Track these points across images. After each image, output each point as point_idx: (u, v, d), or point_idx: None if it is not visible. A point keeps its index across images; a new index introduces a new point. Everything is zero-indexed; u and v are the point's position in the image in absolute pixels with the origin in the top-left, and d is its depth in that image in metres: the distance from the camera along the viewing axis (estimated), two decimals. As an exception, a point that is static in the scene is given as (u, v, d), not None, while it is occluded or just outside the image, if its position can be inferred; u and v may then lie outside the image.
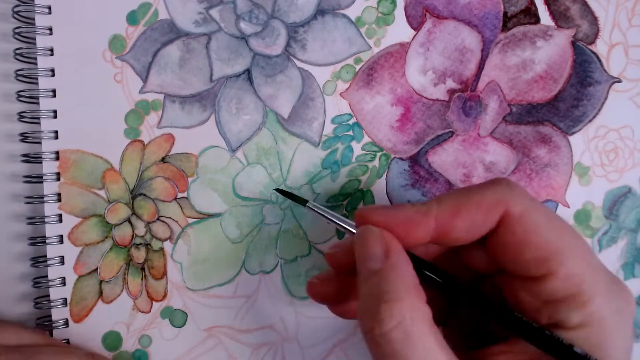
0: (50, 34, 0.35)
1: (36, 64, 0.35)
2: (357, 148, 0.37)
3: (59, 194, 0.35)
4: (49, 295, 0.35)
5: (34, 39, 0.35)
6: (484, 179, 0.38)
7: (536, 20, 0.38)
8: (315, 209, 0.31)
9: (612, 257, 0.39)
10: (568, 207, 0.38)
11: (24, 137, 0.35)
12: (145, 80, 0.35)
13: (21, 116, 0.35)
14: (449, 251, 0.30)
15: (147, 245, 0.36)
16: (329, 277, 0.31)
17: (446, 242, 0.28)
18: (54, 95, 0.35)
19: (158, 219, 0.36)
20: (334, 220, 0.30)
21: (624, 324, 0.25)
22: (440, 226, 0.27)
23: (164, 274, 0.36)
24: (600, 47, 0.38)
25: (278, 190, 0.35)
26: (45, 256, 0.35)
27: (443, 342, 0.24)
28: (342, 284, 0.30)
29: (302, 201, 0.32)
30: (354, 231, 0.29)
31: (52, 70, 0.35)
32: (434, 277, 0.27)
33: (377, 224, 0.27)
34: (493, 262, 0.28)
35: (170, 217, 0.36)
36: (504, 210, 0.26)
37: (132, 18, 0.35)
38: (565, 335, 0.25)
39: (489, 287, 0.29)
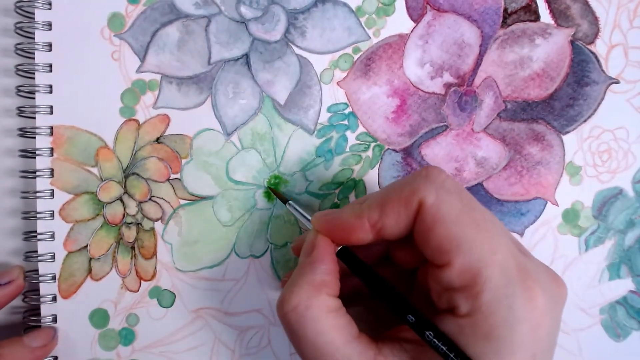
0: (50, 8, 0.34)
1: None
2: (352, 138, 0.37)
3: (51, 170, 0.35)
4: (38, 270, 0.35)
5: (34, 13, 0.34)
6: (475, 174, 0.38)
7: (536, 17, 0.38)
8: (292, 209, 0.35)
9: (598, 258, 0.39)
10: (557, 205, 0.38)
11: (20, 112, 0.35)
12: (142, 59, 0.35)
13: (19, 90, 0.35)
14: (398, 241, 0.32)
15: (138, 225, 0.36)
16: None
17: (385, 237, 0.29)
18: (51, 70, 0.35)
19: (150, 199, 0.36)
20: (304, 221, 0.33)
21: (522, 320, 0.26)
22: (373, 226, 0.29)
23: (154, 254, 0.36)
24: (599, 47, 0.38)
25: (269, 187, 0.37)
26: (37, 231, 0.35)
27: (342, 325, 0.28)
28: None
29: (284, 200, 0.36)
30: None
31: (50, 45, 0.35)
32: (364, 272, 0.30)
33: (322, 228, 0.30)
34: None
35: (162, 198, 0.36)
36: (419, 200, 0.27)
37: (132, -3, 0.35)
38: (454, 322, 0.27)
39: (421, 274, 0.32)
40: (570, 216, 0.39)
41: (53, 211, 0.35)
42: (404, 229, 0.28)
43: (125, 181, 0.36)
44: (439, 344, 0.26)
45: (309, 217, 0.32)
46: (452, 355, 0.26)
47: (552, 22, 0.38)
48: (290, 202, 0.35)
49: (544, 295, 0.26)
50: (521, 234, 0.39)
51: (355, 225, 0.29)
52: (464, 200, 0.28)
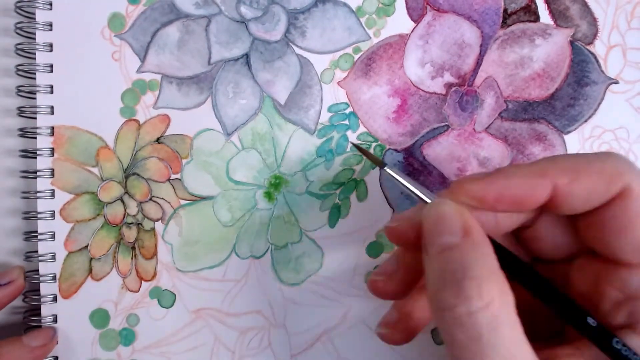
0: (50, 8, 0.35)
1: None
2: (353, 138, 0.37)
3: (52, 170, 0.35)
4: (39, 270, 0.35)
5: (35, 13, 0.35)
6: (477, 174, 0.38)
7: (536, 18, 0.38)
8: (391, 174, 0.29)
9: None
10: (560, 205, 0.38)
11: (21, 112, 0.35)
12: (143, 59, 0.35)
13: (19, 90, 0.35)
14: (523, 226, 0.27)
15: (139, 225, 0.36)
16: (390, 271, 0.28)
17: (559, 210, 0.24)
18: (51, 71, 0.35)
19: (150, 199, 0.36)
20: (410, 188, 0.27)
21: None
22: (556, 191, 0.24)
23: (154, 254, 0.36)
24: (598, 47, 0.38)
25: (354, 145, 0.33)
26: (37, 231, 0.35)
27: (524, 334, 0.22)
28: (407, 275, 0.27)
29: (379, 162, 0.30)
30: (428, 201, 0.26)
31: (51, 45, 0.35)
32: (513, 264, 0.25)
33: (481, 193, 0.24)
34: (578, 241, 0.25)
35: (162, 198, 0.36)
36: (625, 184, 0.23)
37: (133, -3, 0.35)
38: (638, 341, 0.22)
39: (560, 272, 0.27)
40: (572, 216, 0.38)
41: (54, 211, 0.35)
42: (588, 205, 0.24)
43: (126, 181, 0.36)
44: (634, 355, 0.21)
45: (413, 187, 0.27)
46: None
47: (551, 22, 0.38)
48: (387, 166, 0.29)
49: None
50: (523, 234, 0.38)
51: (536, 187, 0.24)
52: None
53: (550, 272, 0.26)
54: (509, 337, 0.20)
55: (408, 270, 0.27)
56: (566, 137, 0.38)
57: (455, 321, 0.21)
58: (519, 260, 0.24)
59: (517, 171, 0.24)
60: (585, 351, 0.23)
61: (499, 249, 0.24)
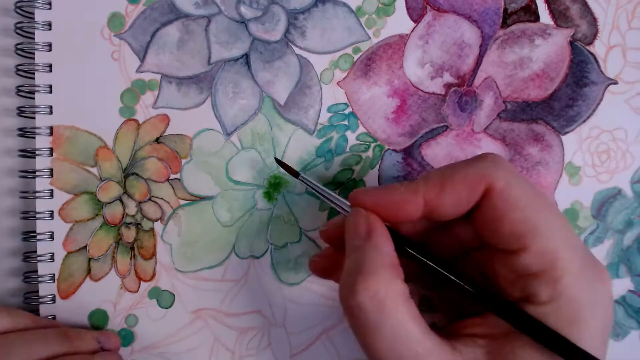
0: (50, 8, 0.34)
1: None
2: (352, 138, 0.37)
3: (51, 170, 0.35)
4: (37, 271, 0.35)
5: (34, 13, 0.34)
6: (476, 174, 0.38)
7: (536, 18, 0.38)
8: (306, 183, 0.33)
9: (597, 257, 0.39)
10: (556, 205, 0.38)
11: (20, 112, 0.35)
12: (142, 59, 0.35)
13: (18, 90, 0.35)
14: (437, 226, 0.31)
15: (138, 225, 0.36)
16: (326, 254, 0.33)
17: (435, 217, 0.28)
18: (50, 70, 0.35)
19: (150, 199, 0.36)
20: (327, 197, 0.32)
21: (599, 302, 0.25)
22: (428, 203, 0.28)
23: (153, 254, 0.36)
24: (598, 48, 0.38)
25: (276, 159, 0.35)
26: (36, 231, 0.35)
27: (418, 316, 0.26)
28: (336, 258, 0.31)
29: (294, 173, 0.34)
30: (347, 210, 0.31)
31: (50, 45, 0.35)
32: (415, 254, 0.29)
33: (368, 204, 0.29)
34: (477, 236, 0.29)
35: (162, 198, 0.36)
36: (487, 184, 0.27)
37: (132, -4, 0.35)
38: (535, 310, 0.26)
39: (473, 262, 0.30)
40: (570, 216, 0.39)
41: (52, 211, 0.35)
42: (459, 211, 0.28)
43: (125, 181, 0.36)
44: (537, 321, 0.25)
45: (325, 189, 0.31)
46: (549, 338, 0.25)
47: (551, 22, 0.38)
48: (301, 175, 0.33)
49: (610, 279, 0.26)
50: (521, 234, 0.38)
51: (409, 200, 0.28)
52: (530, 186, 0.27)
53: (474, 262, 0.30)
54: (394, 319, 0.24)
55: (335, 254, 0.32)
56: (564, 138, 0.38)
57: (349, 311, 0.25)
58: (422, 250, 0.28)
59: (398, 188, 0.28)
60: (488, 320, 0.28)
61: (406, 244, 0.28)
